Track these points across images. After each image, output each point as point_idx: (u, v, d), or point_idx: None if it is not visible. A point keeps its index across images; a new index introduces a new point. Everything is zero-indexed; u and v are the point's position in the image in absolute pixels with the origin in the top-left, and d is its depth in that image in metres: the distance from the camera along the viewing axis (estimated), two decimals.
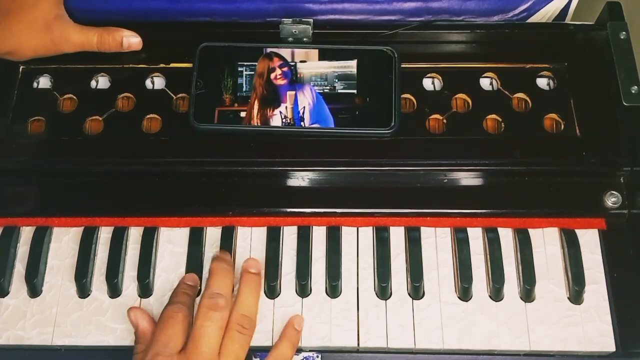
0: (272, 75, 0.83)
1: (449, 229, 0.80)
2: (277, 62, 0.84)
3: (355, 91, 0.83)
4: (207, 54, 0.84)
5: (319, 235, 0.80)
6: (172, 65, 0.87)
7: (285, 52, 0.84)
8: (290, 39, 0.86)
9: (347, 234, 0.80)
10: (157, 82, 0.87)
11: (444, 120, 0.83)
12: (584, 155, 0.81)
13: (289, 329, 0.75)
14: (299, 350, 0.76)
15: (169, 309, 0.73)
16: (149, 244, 0.79)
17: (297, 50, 0.85)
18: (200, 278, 0.78)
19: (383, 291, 0.77)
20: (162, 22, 0.91)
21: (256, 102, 0.82)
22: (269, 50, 0.85)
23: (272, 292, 0.77)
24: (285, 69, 0.84)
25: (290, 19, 0.85)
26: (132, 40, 0.86)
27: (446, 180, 0.82)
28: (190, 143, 0.82)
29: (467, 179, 0.82)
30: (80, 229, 0.80)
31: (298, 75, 0.84)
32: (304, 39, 0.85)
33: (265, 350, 0.75)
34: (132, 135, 0.83)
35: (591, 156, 0.81)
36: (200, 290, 0.77)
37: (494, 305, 0.77)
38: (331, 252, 0.79)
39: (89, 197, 0.82)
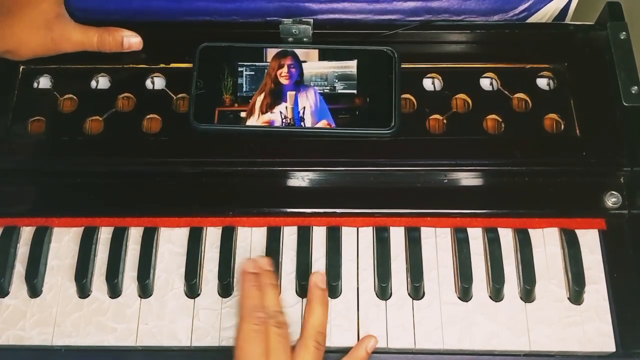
0: (279, 73, 0.83)
1: (449, 229, 0.80)
2: (289, 60, 0.84)
3: (355, 91, 0.83)
4: (208, 54, 0.84)
5: (319, 235, 0.80)
6: (172, 65, 0.87)
7: (297, 52, 0.84)
8: (290, 39, 0.85)
9: (347, 234, 0.80)
10: (157, 82, 0.87)
11: (444, 121, 0.83)
12: (584, 155, 0.81)
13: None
14: None
15: (251, 319, 0.72)
16: (149, 244, 0.79)
17: (297, 51, 0.85)
18: (200, 278, 0.78)
19: (383, 291, 0.77)
20: (162, 22, 0.91)
21: (257, 102, 0.82)
22: (280, 48, 0.85)
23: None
24: (293, 68, 0.84)
25: (291, 19, 0.84)
26: (132, 40, 0.86)
27: (446, 181, 0.82)
28: (190, 143, 0.82)
29: (467, 179, 0.82)
30: (80, 229, 0.80)
31: (299, 77, 0.84)
32: (304, 39, 0.85)
33: None
34: (133, 135, 0.83)
35: (591, 156, 0.81)
36: None
37: (494, 305, 0.77)
38: (331, 252, 0.79)
39: (89, 197, 0.82)
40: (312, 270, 0.78)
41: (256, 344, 0.70)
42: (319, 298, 0.75)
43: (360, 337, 0.76)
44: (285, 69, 0.84)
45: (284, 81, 0.83)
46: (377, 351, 0.76)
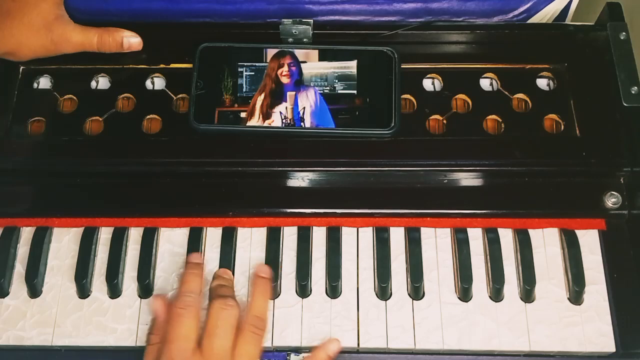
0: (279, 73, 0.83)
1: (449, 229, 0.80)
2: (288, 60, 0.84)
3: (355, 92, 0.83)
4: (207, 54, 0.84)
5: (319, 235, 0.80)
6: (172, 65, 0.87)
7: (297, 52, 0.84)
8: (290, 39, 0.86)
9: (347, 234, 0.80)
10: (157, 83, 0.87)
11: (444, 121, 0.83)
12: (584, 155, 0.81)
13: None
14: (299, 351, 0.76)
15: (178, 302, 0.72)
16: (149, 245, 0.79)
17: (297, 51, 0.85)
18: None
19: (383, 291, 0.77)
20: (162, 22, 0.91)
21: (257, 103, 0.82)
22: (279, 49, 0.85)
23: (273, 292, 0.77)
24: (293, 68, 0.84)
25: (291, 20, 0.84)
26: (132, 41, 0.86)
27: (446, 181, 0.82)
28: (190, 143, 0.82)
29: (467, 179, 0.82)
30: (80, 230, 0.80)
31: (299, 76, 0.84)
32: (304, 40, 0.85)
33: (265, 350, 0.75)
34: (133, 135, 0.83)
35: (591, 156, 0.81)
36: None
37: (494, 305, 0.77)
38: (331, 252, 0.79)
39: (89, 197, 0.82)
40: (313, 271, 0.78)
41: (179, 326, 0.70)
42: (259, 286, 0.76)
43: (361, 337, 0.76)
44: (285, 69, 0.84)
45: (284, 81, 0.83)
46: (377, 351, 0.76)
